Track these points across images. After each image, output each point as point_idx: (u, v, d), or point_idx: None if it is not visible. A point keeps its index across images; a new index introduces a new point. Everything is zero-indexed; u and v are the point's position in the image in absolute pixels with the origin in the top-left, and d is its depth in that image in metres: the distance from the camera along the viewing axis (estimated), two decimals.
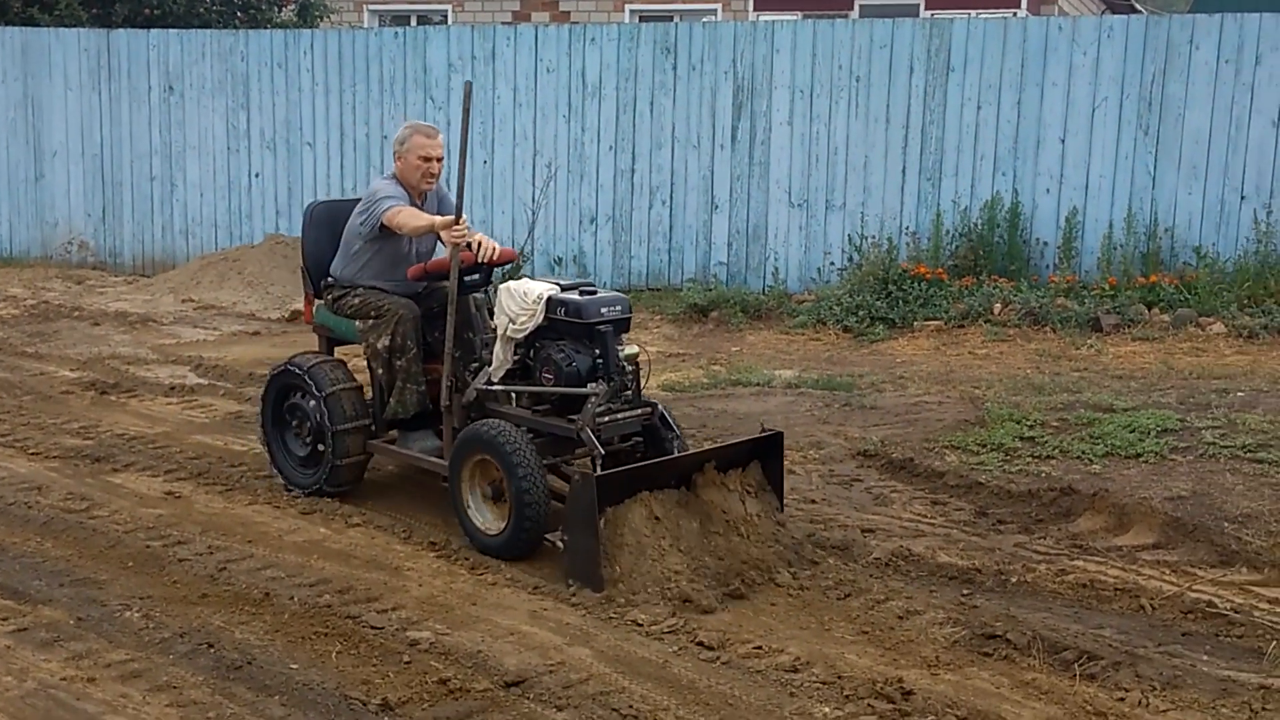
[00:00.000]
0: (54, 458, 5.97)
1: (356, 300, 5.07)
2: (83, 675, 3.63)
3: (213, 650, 3.84)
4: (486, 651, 3.92)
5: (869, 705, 3.50)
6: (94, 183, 12.22)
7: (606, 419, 4.42)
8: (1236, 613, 4.25)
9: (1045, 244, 9.54)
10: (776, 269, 10.16)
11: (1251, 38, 9.02)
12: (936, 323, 8.84)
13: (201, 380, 7.78)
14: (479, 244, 4.82)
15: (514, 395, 4.72)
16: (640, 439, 4.66)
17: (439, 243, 5.06)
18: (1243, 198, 9.18)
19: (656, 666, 3.83)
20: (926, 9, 14.83)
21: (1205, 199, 9.33)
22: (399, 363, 4.91)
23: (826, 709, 3.50)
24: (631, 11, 16.76)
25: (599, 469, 4.26)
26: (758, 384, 7.61)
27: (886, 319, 8.80)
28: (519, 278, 5.16)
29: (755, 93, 10.12)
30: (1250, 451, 5.84)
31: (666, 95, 10.48)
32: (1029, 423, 6.39)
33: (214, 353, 8.50)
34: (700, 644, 3.92)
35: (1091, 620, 4.23)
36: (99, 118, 12.08)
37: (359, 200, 5.16)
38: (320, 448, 5.03)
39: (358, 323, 5.07)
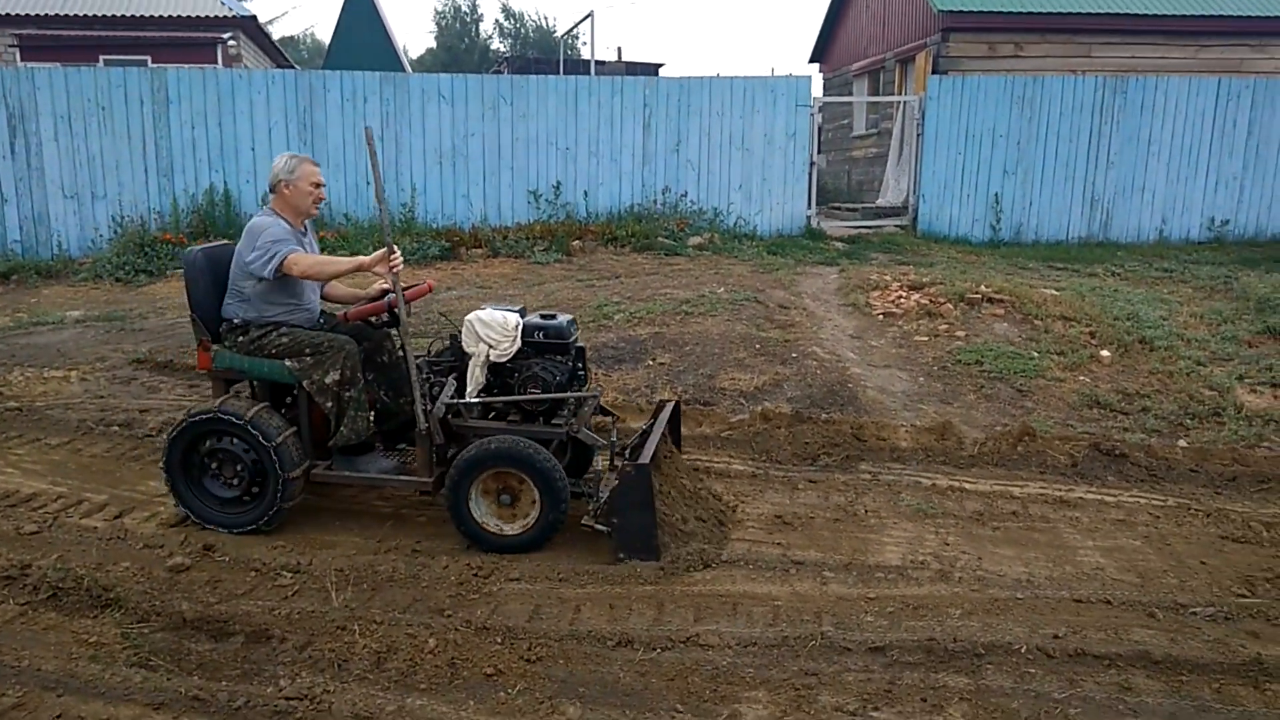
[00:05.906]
0: None
1: (285, 340, 4.53)
2: None
3: None
4: None
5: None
6: None
7: (577, 416, 4.37)
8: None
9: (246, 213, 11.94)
10: (60, 243, 11.97)
11: (361, 86, 12.34)
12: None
13: None
14: (401, 283, 4.49)
15: (484, 410, 4.49)
16: None
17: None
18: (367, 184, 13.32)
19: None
20: (153, 62, 17.03)
21: (345, 186, 12.42)
22: (349, 394, 4.53)
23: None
24: None
25: (614, 457, 4.29)
26: (53, 322, 8.40)
27: (147, 270, 10.79)
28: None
29: (26, 118, 11.77)
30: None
31: None
32: None
33: None
34: None
35: None
36: None
37: (235, 243, 4.63)
38: (252, 491, 4.53)
39: (289, 361, 4.53)
